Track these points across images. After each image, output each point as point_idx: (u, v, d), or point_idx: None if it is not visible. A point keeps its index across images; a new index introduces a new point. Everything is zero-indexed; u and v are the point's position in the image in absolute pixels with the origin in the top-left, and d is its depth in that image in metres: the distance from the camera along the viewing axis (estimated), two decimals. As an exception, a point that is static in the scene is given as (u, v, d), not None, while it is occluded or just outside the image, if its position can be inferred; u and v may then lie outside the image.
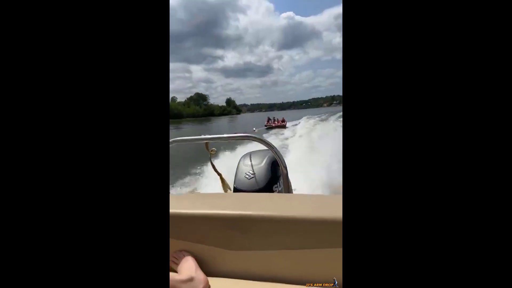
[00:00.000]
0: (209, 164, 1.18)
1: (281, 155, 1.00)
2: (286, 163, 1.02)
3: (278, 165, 1.02)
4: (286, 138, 8.62)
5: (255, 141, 1.02)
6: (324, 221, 0.53)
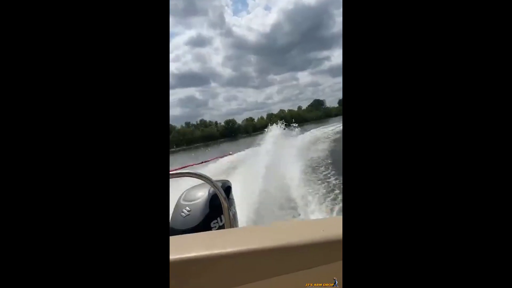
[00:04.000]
0: None
1: (221, 189, 0.93)
2: (232, 196, 0.92)
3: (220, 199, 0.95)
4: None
5: (191, 177, 0.94)
6: (261, 251, 0.47)
